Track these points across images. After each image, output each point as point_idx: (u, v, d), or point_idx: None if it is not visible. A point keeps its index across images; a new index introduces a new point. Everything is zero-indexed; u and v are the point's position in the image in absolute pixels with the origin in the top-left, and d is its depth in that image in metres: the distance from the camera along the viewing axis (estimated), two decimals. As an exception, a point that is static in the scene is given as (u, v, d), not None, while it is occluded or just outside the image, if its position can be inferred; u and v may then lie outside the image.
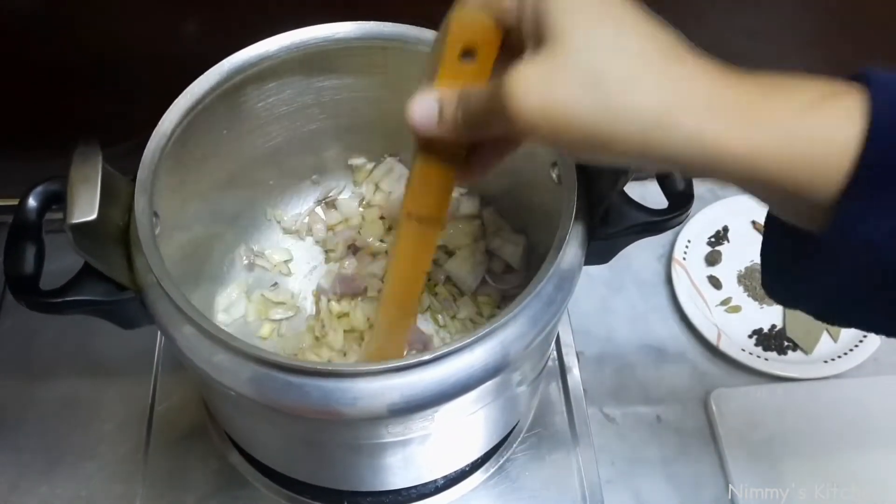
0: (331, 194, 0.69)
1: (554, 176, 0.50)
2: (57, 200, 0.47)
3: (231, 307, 0.62)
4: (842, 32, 0.67)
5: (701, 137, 0.28)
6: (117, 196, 0.45)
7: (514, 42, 0.34)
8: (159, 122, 0.48)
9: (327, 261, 0.67)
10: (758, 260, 0.75)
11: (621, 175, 0.44)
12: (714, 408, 0.66)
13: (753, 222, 0.78)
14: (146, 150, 0.47)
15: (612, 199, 0.46)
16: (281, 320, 0.64)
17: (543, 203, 0.53)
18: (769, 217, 0.34)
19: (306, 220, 0.68)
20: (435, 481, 0.61)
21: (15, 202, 0.47)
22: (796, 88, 0.29)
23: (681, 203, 0.49)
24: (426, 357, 0.41)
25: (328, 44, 0.53)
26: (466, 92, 0.34)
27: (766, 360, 0.69)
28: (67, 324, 0.68)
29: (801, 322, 0.71)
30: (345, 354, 0.61)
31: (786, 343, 0.70)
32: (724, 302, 0.73)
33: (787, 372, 0.68)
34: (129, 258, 0.45)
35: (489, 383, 0.43)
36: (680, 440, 0.66)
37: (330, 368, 0.41)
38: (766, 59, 0.67)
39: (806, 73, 0.30)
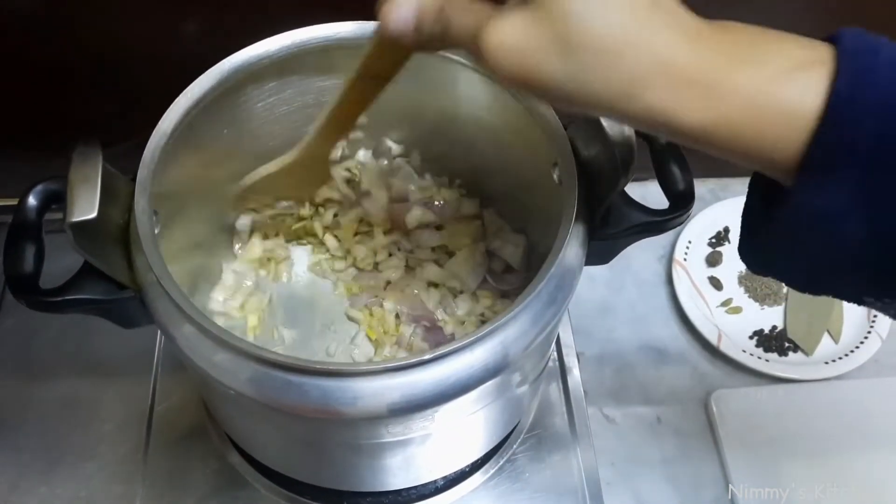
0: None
1: (554, 176, 0.50)
2: (57, 200, 0.47)
3: (227, 301, 0.62)
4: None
5: (663, 110, 0.30)
6: (117, 195, 0.45)
7: None
8: (159, 122, 0.48)
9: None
10: (758, 261, 0.75)
11: (622, 175, 0.44)
12: (714, 409, 0.66)
13: (754, 223, 0.78)
14: (146, 150, 0.47)
15: (612, 199, 0.46)
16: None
17: (544, 203, 0.53)
18: (751, 180, 0.35)
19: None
20: (435, 482, 0.61)
21: (15, 202, 0.47)
22: (769, 55, 0.30)
23: (682, 203, 0.49)
24: (426, 357, 0.41)
25: (328, 44, 0.53)
26: (448, 15, 0.33)
27: (767, 361, 0.69)
28: (67, 324, 0.69)
29: (802, 323, 0.71)
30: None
31: (786, 344, 0.70)
32: (725, 303, 0.73)
33: (787, 373, 0.68)
34: (128, 257, 0.45)
35: (489, 383, 0.43)
36: (680, 441, 0.65)
37: (330, 368, 0.41)
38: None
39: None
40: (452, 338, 0.61)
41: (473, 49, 0.32)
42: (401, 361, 0.40)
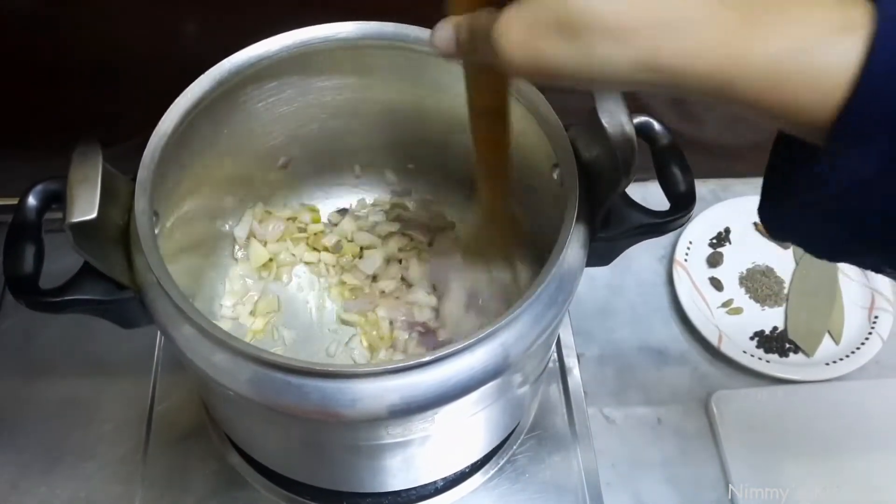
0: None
1: (555, 177, 0.50)
2: (57, 200, 0.47)
3: (236, 306, 0.62)
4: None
5: (683, 74, 0.29)
6: (117, 196, 0.45)
7: None
8: (159, 122, 0.48)
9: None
10: (759, 262, 0.75)
11: (623, 177, 0.44)
12: (715, 410, 0.66)
13: (755, 224, 0.78)
14: (146, 150, 0.47)
15: (613, 200, 0.46)
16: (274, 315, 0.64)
17: (545, 204, 0.53)
18: (776, 139, 0.34)
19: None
20: (435, 483, 0.61)
21: (15, 202, 0.47)
22: (801, 18, 0.28)
23: (683, 205, 0.48)
24: (426, 358, 0.40)
25: (328, 44, 0.53)
26: (472, 22, 0.36)
27: (768, 362, 0.69)
28: (67, 324, 0.68)
29: (802, 324, 0.71)
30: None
31: (787, 345, 0.70)
32: (726, 303, 0.73)
33: (788, 374, 0.68)
34: (128, 258, 0.45)
35: (490, 385, 0.43)
36: (680, 442, 0.65)
37: (329, 369, 0.41)
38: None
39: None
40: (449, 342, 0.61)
41: (491, 50, 0.33)
42: (401, 363, 0.40)
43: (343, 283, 0.65)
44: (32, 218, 0.47)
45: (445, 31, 0.37)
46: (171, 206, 0.52)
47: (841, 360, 0.69)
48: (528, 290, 0.43)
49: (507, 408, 0.56)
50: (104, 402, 0.66)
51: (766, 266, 0.75)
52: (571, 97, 0.40)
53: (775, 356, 0.70)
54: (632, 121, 0.43)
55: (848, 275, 0.74)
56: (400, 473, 0.56)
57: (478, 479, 0.62)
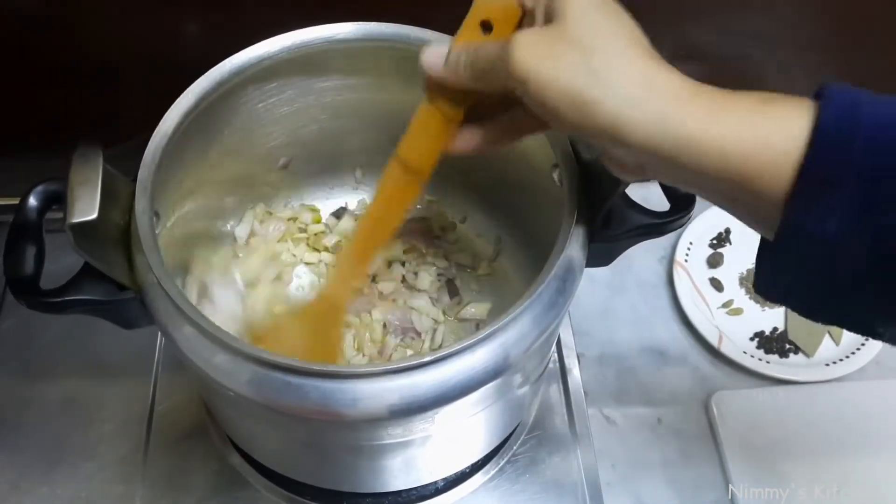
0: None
1: (556, 178, 0.50)
2: (57, 200, 0.47)
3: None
4: (842, 34, 0.67)
5: (665, 121, 0.32)
6: (117, 196, 0.45)
7: (528, 24, 0.39)
8: (160, 122, 0.48)
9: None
10: (759, 262, 0.75)
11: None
12: (715, 410, 0.66)
13: (755, 224, 0.78)
14: (146, 150, 0.47)
15: (613, 201, 0.46)
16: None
17: (545, 205, 0.53)
18: None
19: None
20: (435, 483, 0.61)
21: (15, 202, 0.47)
22: (751, 93, 0.33)
23: (683, 205, 0.48)
24: (427, 358, 0.40)
25: (329, 44, 0.53)
26: (475, 44, 0.39)
27: (768, 362, 0.69)
28: (67, 324, 0.68)
29: (802, 325, 0.71)
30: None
31: (787, 346, 0.70)
32: (726, 304, 0.73)
33: (788, 375, 0.68)
34: (129, 258, 0.45)
35: (490, 385, 0.43)
36: (681, 442, 0.65)
37: (329, 369, 0.41)
38: (767, 60, 0.68)
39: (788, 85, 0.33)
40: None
41: (499, 63, 0.36)
42: (401, 363, 0.40)
43: None
44: (33, 218, 0.47)
45: (438, 50, 0.40)
46: (171, 206, 0.52)
47: (841, 360, 0.69)
48: (528, 291, 0.43)
49: (508, 408, 0.56)
50: (105, 402, 0.66)
51: (767, 266, 0.75)
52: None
53: (775, 357, 0.70)
54: (632, 121, 0.43)
55: (848, 275, 0.73)
56: (400, 473, 0.56)
57: (478, 479, 0.62)
